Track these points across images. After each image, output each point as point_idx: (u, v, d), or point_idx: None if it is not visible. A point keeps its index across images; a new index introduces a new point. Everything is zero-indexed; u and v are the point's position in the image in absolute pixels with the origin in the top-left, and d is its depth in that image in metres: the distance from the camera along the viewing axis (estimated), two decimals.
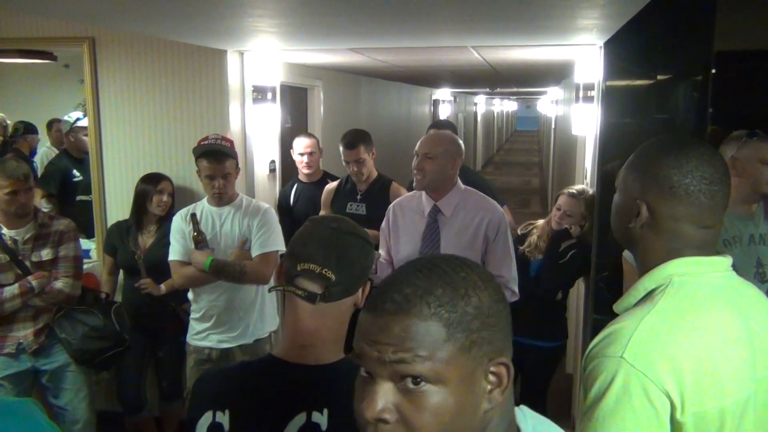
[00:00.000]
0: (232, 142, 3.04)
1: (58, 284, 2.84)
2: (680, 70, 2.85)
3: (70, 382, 2.97)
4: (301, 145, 3.96)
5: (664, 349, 1.08)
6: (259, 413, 1.23)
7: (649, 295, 1.18)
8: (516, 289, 2.67)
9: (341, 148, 3.61)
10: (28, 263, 2.81)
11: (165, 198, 3.27)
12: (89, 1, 2.37)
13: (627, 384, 1.06)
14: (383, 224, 2.85)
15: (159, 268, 3.12)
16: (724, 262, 1.21)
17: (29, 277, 2.79)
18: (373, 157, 3.69)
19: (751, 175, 2.46)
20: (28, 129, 4.89)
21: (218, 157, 2.85)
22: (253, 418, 1.23)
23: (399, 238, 2.77)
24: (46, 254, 2.84)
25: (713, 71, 2.78)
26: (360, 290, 1.32)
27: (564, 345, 3.43)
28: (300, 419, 1.21)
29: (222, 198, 2.90)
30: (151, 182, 3.29)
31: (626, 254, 2.42)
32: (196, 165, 2.90)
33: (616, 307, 1.23)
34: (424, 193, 2.74)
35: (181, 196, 3.63)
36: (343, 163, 3.66)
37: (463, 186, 2.76)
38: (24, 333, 2.85)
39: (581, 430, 1.10)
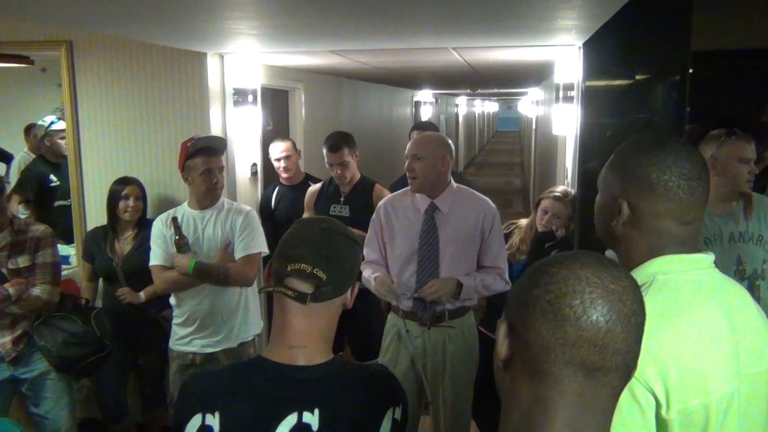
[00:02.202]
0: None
1: (36, 291, 2.80)
2: (658, 69, 2.88)
3: (50, 390, 2.92)
4: (276, 150, 3.95)
5: (648, 347, 1.08)
6: (250, 414, 1.23)
7: None
8: (509, 279, 2.77)
9: (324, 151, 3.60)
10: (4, 270, 2.77)
11: (131, 203, 3.21)
12: (67, 4, 2.34)
13: None
14: (373, 225, 2.84)
15: (138, 274, 3.09)
16: (707, 259, 1.22)
17: (6, 285, 2.74)
18: (357, 159, 3.69)
19: (730, 174, 2.50)
20: None
21: (213, 151, 2.86)
22: (244, 419, 1.23)
23: (394, 237, 2.77)
24: (22, 261, 2.79)
25: (691, 71, 2.81)
26: (349, 290, 1.33)
27: None
28: (291, 420, 1.21)
29: (218, 193, 2.89)
30: (118, 187, 3.25)
31: (608, 253, 2.44)
32: (184, 169, 2.86)
33: None
34: (411, 192, 2.76)
35: (161, 200, 3.60)
36: (327, 166, 3.65)
37: (455, 185, 2.81)
38: (2, 341, 2.80)
39: None
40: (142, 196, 3.28)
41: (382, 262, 2.81)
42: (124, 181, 3.26)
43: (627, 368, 0.83)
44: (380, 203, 2.89)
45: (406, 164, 2.71)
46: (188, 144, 2.84)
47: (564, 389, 0.81)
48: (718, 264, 1.24)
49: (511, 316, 0.88)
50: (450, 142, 2.86)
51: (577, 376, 0.81)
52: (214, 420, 1.22)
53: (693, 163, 1.19)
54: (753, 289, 2.47)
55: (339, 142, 3.58)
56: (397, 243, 2.76)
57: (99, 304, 3.37)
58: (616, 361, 0.81)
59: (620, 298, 0.82)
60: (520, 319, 0.85)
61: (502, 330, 0.88)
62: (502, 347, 0.87)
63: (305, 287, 1.25)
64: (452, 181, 2.80)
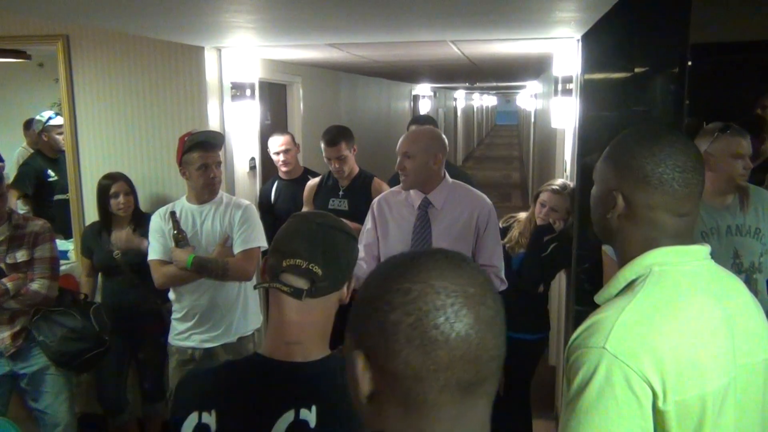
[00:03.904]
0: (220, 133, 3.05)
1: (34, 286, 2.80)
2: (657, 62, 2.87)
3: (49, 385, 2.93)
4: (275, 143, 3.95)
5: (645, 339, 1.09)
6: (247, 412, 1.22)
7: (629, 285, 1.19)
8: (504, 278, 2.74)
9: (322, 145, 3.59)
10: (2, 265, 2.77)
11: (122, 199, 3.20)
12: None
13: (609, 374, 1.07)
14: (368, 221, 2.82)
15: (138, 265, 3.09)
16: (703, 250, 1.22)
17: (4, 279, 2.75)
18: (355, 153, 3.69)
19: (723, 170, 2.49)
20: None
21: (211, 146, 2.85)
22: (241, 417, 1.22)
23: (388, 232, 2.76)
24: (21, 256, 2.79)
25: (690, 63, 2.81)
26: (345, 285, 1.32)
27: (546, 337, 3.46)
28: (288, 417, 1.21)
29: (216, 188, 2.88)
30: (105, 183, 3.24)
31: (606, 246, 2.45)
32: (181, 164, 2.85)
33: (597, 298, 1.24)
34: (402, 189, 2.75)
35: (159, 194, 3.60)
36: (325, 160, 3.65)
37: (450, 180, 2.77)
38: (0, 337, 2.80)
39: (565, 421, 1.11)
40: (131, 191, 3.26)
41: (370, 260, 2.77)
42: (110, 178, 3.24)
43: (499, 369, 0.77)
44: (375, 200, 2.88)
45: (397, 161, 2.68)
46: (185, 138, 2.83)
47: (441, 415, 0.74)
48: (715, 257, 1.24)
49: (366, 346, 0.77)
50: (443, 137, 2.83)
51: (454, 398, 0.74)
52: (210, 418, 1.22)
53: (688, 155, 1.19)
54: (750, 282, 2.47)
55: (336, 136, 3.57)
56: (390, 238, 2.74)
57: (98, 299, 3.37)
58: (491, 368, 0.75)
59: (482, 301, 0.75)
60: (381, 349, 0.75)
61: (358, 362, 0.78)
62: (363, 382, 0.78)
63: (301, 283, 1.25)
64: (447, 175, 2.77)
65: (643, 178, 1.19)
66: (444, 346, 0.72)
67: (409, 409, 0.75)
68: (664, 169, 1.17)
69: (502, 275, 2.74)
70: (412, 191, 2.73)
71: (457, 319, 0.73)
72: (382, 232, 2.78)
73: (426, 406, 0.74)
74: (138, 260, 3.07)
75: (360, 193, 3.62)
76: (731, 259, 2.50)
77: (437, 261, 0.77)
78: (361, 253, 2.77)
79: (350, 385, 0.82)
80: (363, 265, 2.73)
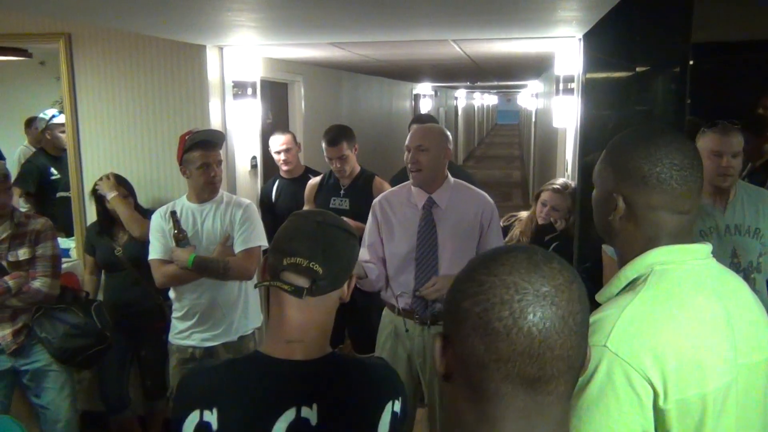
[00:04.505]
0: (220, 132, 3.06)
1: (36, 284, 2.80)
2: (658, 61, 2.87)
3: (51, 381, 2.93)
4: (276, 143, 3.95)
5: (646, 338, 1.09)
6: (248, 410, 1.23)
7: (630, 284, 1.19)
8: None
9: (323, 145, 3.59)
10: (4, 263, 2.77)
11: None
12: None
13: (610, 372, 1.07)
14: (370, 223, 2.80)
15: (140, 261, 3.09)
16: (705, 249, 1.22)
17: (6, 277, 2.75)
18: (356, 152, 3.69)
19: (705, 167, 2.49)
20: None
21: (212, 145, 2.85)
22: (242, 415, 1.22)
23: (393, 233, 2.73)
24: (23, 254, 2.79)
25: (691, 63, 2.81)
26: (346, 284, 1.32)
27: None
28: (289, 415, 1.21)
29: (217, 187, 2.88)
30: (101, 188, 3.25)
31: (605, 246, 2.45)
32: (181, 162, 2.85)
33: (599, 297, 1.24)
34: (413, 186, 2.73)
35: (161, 193, 3.60)
36: (326, 160, 3.65)
37: (452, 179, 2.76)
38: (2, 334, 2.81)
39: None
40: (128, 193, 3.28)
41: (376, 262, 2.76)
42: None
43: (572, 370, 0.79)
44: (375, 200, 2.84)
45: (409, 156, 2.64)
46: (186, 137, 2.83)
47: (507, 405, 0.77)
48: (714, 257, 1.24)
49: (447, 329, 0.83)
50: (448, 133, 2.84)
51: (517, 391, 0.77)
52: (212, 416, 1.22)
53: (684, 153, 1.19)
54: (748, 282, 2.47)
55: (337, 136, 3.57)
56: (395, 240, 2.72)
57: (101, 297, 3.37)
58: (558, 367, 0.77)
59: (553, 301, 0.76)
60: (455, 334, 0.80)
61: (437, 345, 0.83)
62: (440, 363, 0.83)
63: (301, 281, 1.25)
64: (449, 175, 2.76)
65: (641, 179, 1.19)
66: (505, 339, 0.76)
67: (476, 394, 0.79)
68: (662, 168, 1.18)
69: None
70: (414, 191, 2.71)
71: (521, 315, 0.75)
72: (386, 233, 2.75)
73: (489, 394, 0.78)
74: (140, 257, 3.07)
75: (361, 192, 3.62)
76: (729, 258, 2.50)
77: (516, 258, 0.80)
78: (366, 255, 2.76)
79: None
80: (371, 267, 2.72)
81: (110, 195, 3.21)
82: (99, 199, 3.27)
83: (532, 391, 0.77)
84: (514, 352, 0.75)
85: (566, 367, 0.78)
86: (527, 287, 0.77)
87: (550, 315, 0.76)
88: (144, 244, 2.97)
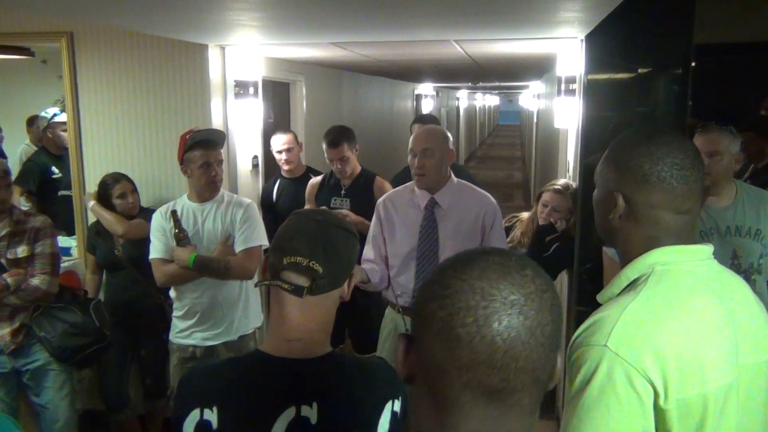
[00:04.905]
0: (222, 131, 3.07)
1: (35, 281, 2.80)
2: (661, 63, 2.87)
3: (51, 381, 2.93)
4: (278, 142, 3.95)
5: (647, 337, 1.09)
6: (248, 409, 1.23)
7: (632, 284, 1.19)
8: None
9: (324, 146, 3.59)
10: (3, 261, 2.77)
11: (130, 199, 3.27)
12: None
13: (611, 372, 1.07)
14: (373, 224, 2.80)
15: (140, 261, 3.10)
16: (706, 250, 1.22)
17: (5, 275, 2.75)
18: (357, 153, 3.69)
19: None
20: None
21: (212, 144, 2.85)
22: (242, 414, 1.23)
23: (395, 233, 2.74)
24: (21, 251, 2.79)
25: (693, 64, 2.81)
26: (346, 283, 1.32)
27: None
28: (289, 413, 1.21)
29: (217, 186, 2.88)
30: (109, 184, 3.28)
31: (606, 247, 2.45)
32: (182, 162, 2.85)
33: (600, 297, 1.25)
34: (416, 186, 2.73)
35: (162, 192, 3.61)
36: (327, 161, 3.65)
37: (456, 179, 2.76)
38: (0, 333, 2.81)
39: (567, 419, 1.11)
40: (135, 189, 3.32)
41: (379, 261, 2.76)
42: (113, 179, 3.29)
43: (538, 384, 0.75)
44: (379, 200, 2.85)
45: (415, 160, 2.63)
46: (187, 137, 2.83)
47: (467, 415, 0.73)
48: (714, 258, 1.24)
49: (413, 330, 0.79)
50: (449, 134, 2.84)
51: (478, 401, 0.73)
52: (212, 415, 1.22)
53: (685, 152, 1.20)
54: (749, 283, 2.47)
55: (338, 137, 3.57)
56: (397, 239, 2.73)
57: (102, 296, 3.38)
58: (522, 380, 0.73)
59: (521, 311, 0.72)
60: (419, 336, 0.77)
61: (400, 345, 0.79)
62: (402, 365, 0.79)
63: (302, 280, 1.25)
64: (452, 175, 2.76)
65: (642, 178, 1.19)
66: (467, 347, 0.72)
67: (436, 401, 0.76)
68: (662, 167, 1.18)
69: None
70: (417, 191, 2.72)
71: (485, 322, 0.72)
72: (388, 233, 2.76)
73: (449, 402, 0.74)
74: (140, 256, 3.07)
75: (362, 192, 3.62)
76: (730, 259, 2.50)
77: (488, 262, 0.76)
78: (371, 254, 2.77)
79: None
80: (374, 269, 2.72)
81: (90, 204, 3.29)
82: (100, 198, 3.28)
83: (494, 402, 0.73)
84: (475, 360, 0.72)
85: (531, 380, 0.74)
86: (495, 294, 0.73)
87: (516, 324, 0.72)
88: (144, 243, 2.97)
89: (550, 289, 0.77)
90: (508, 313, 0.72)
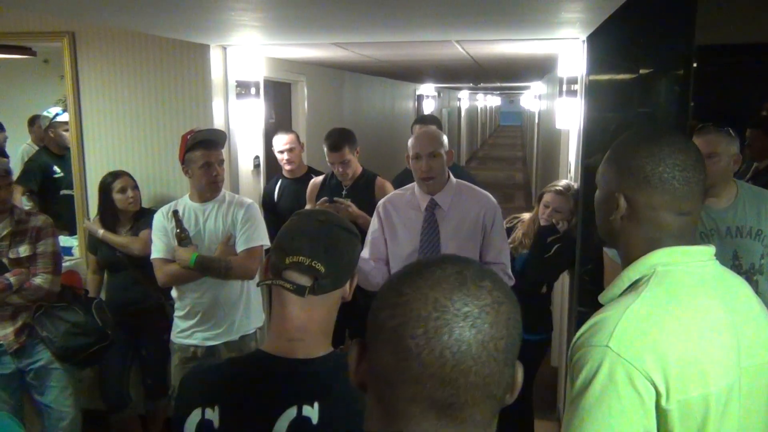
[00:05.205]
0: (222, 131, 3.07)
1: (37, 280, 2.81)
2: (662, 64, 2.87)
3: (55, 380, 2.94)
4: (280, 142, 3.95)
5: (649, 338, 1.09)
6: (250, 408, 1.23)
7: (633, 285, 1.19)
8: (511, 274, 2.76)
9: (325, 149, 3.59)
10: (5, 260, 2.78)
11: (130, 193, 3.26)
12: None
13: (612, 372, 1.07)
14: (374, 223, 2.80)
15: (141, 261, 3.10)
16: (708, 251, 1.22)
17: (7, 274, 2.75)
18: (358, 155, 3.68)
19: None
20: None
21: (214, 144, 2.85)
22: (244, 413, 1.23)
23: (397, 235, 2.74)
24: (23, 251, 2.80)
25: (695, 65, 2.81)
26: (348, 283, 1.32)
27: (549, 338, 3.46)
28: (290, 413, 1.21)
29: (219, 186, 2.88)
30: (110, 180, 3.27)
31: (607, 248, 2.44)
32: (183, 162, 2.85)
33: (601, 297, 1.24)
34: (416, 187, 2.73)
35: (164, 192, 3.61)
36: (328, 164, 3.65)
37: (455, 180, 2.77)
38: (3, 333, 2.81)
39: (568, 420, 1.11)
40: (136, 185, 3.32)
41: (376, 260, 2.75)
42: (113, 175, 3.28)
43: (491, 399, 0.72)
44: (379, 202, 2.85)
45: (421, 164, 2.61)
46: (188, 137, 2.84)
47: (416, 427, 0.71)
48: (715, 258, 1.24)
49: (366, 337, 0.76)
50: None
51: (427, 415, 0.70)
52: (213, 414, 1.22)
53: (687, 153, 1.20)
54: (751, 284, 2.46)
55: (339, 141, 3.56)
56: (399, 241, 2.73)
57: (103, 296, 3.38)
58: (473, 395, 0.70)
59: (473, 324, 0.69)
60: (371, 344, 0.74)
61: (353, 352, 0.77)
62: (353, 373, 0.77)
63: (303, 280, 1.25)
64: (451, 176, 2.77)
65: (643, 179, 1.19)
66: (416, 358, 0.69)
67: (386, 412, 0.73)
68: (664, 168, 1.18)
69: (510, 272, 2.75)
70: (417, 193, 2.72)
71: (435, 334, 0.69)
72: (389, 235, 2.76)
73: (398, 414, 0.72)
74: (141, 257, 3.07)
75: (363, 193, 3.62)
76: (731, 260, 2.50)
77: (444, 271, 0.73)
78: (366, 253, 2.76)
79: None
80: (367, 261, 2.72)
81: (100, 233, 3.26)
82: (103, 198, 3.27)
83: (444, 417, 0.70)
84: (423, 373, 0.69)
85: (483, 395, 0.71)
86: (447, 305, 0.70)
87: (467, 338, 0.69)
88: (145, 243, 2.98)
89: (509, 302, 0.74)
90: (459, 326, 0.69)
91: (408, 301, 0.71)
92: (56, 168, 4.18)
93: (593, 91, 3.25)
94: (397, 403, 0.71)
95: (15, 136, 4.99)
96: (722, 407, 1.12)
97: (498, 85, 13.03)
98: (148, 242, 3.02)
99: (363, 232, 2.79)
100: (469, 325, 0.69)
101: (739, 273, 2.44)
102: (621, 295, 1.20)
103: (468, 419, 0.71)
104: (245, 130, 3.95)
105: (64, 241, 3.62)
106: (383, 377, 0.72)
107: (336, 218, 1.33)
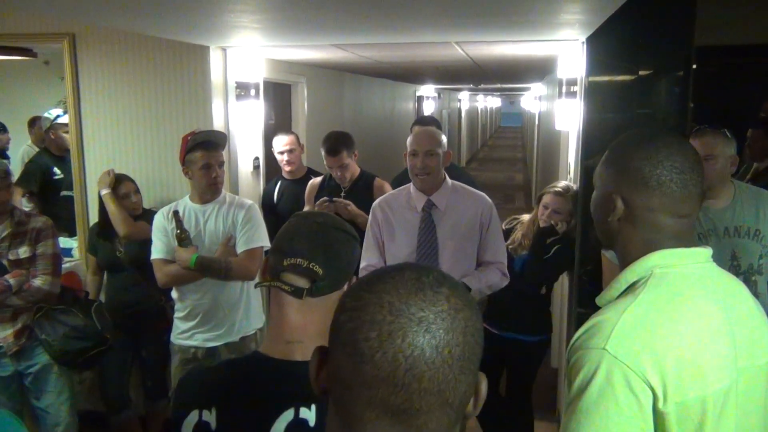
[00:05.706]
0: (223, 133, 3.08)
1: (37, 282, 2.81)
2: (662, 65, 2.87)
3: (52, 384, 2.94)
4: (280, 143, 3.95)
5: (646, 340, 1.09)
6: (247, 410, 1.23)
7: (631, 287, 1.19)
8: (507, 273, 2.76)
9: (323, 153, 3.59)
10: (5, 261, 2.78)
11: (134, 198, 3.28)
12: None
13: (610, 375, 1.07)
14: (370, 225, 2.80)
15: (141, 262, 3.10)
16: (705, 253, 1.22)
17: (7, 276, 2.75)
18: (356, 158, 3.68)
19: None
20: None
21: (214, 145, 2.86)
22: (241, 415, 1.23)
23: (394, 236, 2.74)
24: (23, 252, 2.80)
25: (694, 66, 2.81)
26: (346, 285, 1.32)
27: (548, 339, 3.45)
28: (288, 415, 1.21)
29: (219, 187, 2.89)
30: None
31: (605, 250, 2.44)
32: (184, 163, 2.86)
33: (599, 300, 1.24)
34: (412, 188, 2.73)
35: (164, 193, 3.61)
36: (326, 168, 3.66)
37: (450, 181, 2.77)
38: (3, 335, 2.81)
39: (566, 422, 1.11)
40: (138, 189, 3.33)
41: (379, 265, 2.77)
42: (116, 180, 3.28)
43: (447, 407, 0.71)
44: (374, 204, 2.84)
45: (417, 160, 2.63)
46: (188, 138, 2.84)
47: None
48: (713, 259, 1.24)
49: (328, 343, 0.76)
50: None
51: (382, 420, 0.70)
52: (210, 416, 1.22)
53: (685, 156, 1.20)
54: (749, 284, 2.46)
55: (337, 145, 3.56)
56: (396, 242, 2.73)
57: (103, 297, 3.38)
58: (427, 401, 0.69)
59: (428, 329, 0.69)
60: (331, 349, 0.74)
61: (314, 358, 0.77)
62: (314, 379, 0.77)
63: (302, 282, 1.25)
64: (447, 177, 2.77)
65: (641, 181, 1.19)
66: (369, 362, 0.69)
67: (344, 417, 0.74)
68: (662, 171, 1.18)
69: (506, 270, 2.75)
70: (413, 193, 2.72)
71: (388, 338, 0.69)
72: (387, 236, 2.75)
73: (354, 419, 0.72)
74: (141, 257, 3.08)
75: (362, 194, 3.62)
76: (729, 260, 2.50)
77: (402, 277, 0.73)
78: (374, 260, 2.76)
79: None
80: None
81: (103, 191, 3.24)
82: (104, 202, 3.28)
83: (398, 423, 0.70)
84: (377, 377, 0.69)
85: (438, 402, 0.70)
86: (402, 309, 0.70)
87: (420, 343, 0.69)
88: (145, 245, 2.97)
89: (467, 310, 0.73)
90: (413, 330, 0.69)
91: (365, 305, 0.72)
92: (56, 169, 4.18)
93: (593, 92, 3.25)
94: (354, 407, 0.72)
95: (15, 137, 5.00)
96: (719, 409, 1.12)
97: (498, 86, 13.03)
98: (137, 229, 3.02)
99: (362, 232, 2.79)
100: (423, 330, 0.69)
101: (738, 273, 2.45)
102: (618, 297, 1.20)
103: (423, 427, 0.71)
104: (245, 132, 3.96)
105: (64, 242, 3.62)
106: (341, 381, 0.73)
107: (334, 220, 1.33)
